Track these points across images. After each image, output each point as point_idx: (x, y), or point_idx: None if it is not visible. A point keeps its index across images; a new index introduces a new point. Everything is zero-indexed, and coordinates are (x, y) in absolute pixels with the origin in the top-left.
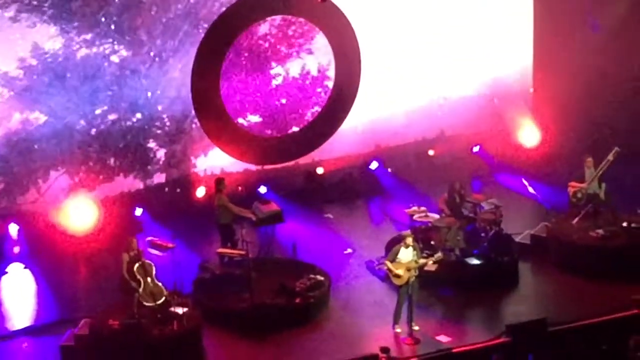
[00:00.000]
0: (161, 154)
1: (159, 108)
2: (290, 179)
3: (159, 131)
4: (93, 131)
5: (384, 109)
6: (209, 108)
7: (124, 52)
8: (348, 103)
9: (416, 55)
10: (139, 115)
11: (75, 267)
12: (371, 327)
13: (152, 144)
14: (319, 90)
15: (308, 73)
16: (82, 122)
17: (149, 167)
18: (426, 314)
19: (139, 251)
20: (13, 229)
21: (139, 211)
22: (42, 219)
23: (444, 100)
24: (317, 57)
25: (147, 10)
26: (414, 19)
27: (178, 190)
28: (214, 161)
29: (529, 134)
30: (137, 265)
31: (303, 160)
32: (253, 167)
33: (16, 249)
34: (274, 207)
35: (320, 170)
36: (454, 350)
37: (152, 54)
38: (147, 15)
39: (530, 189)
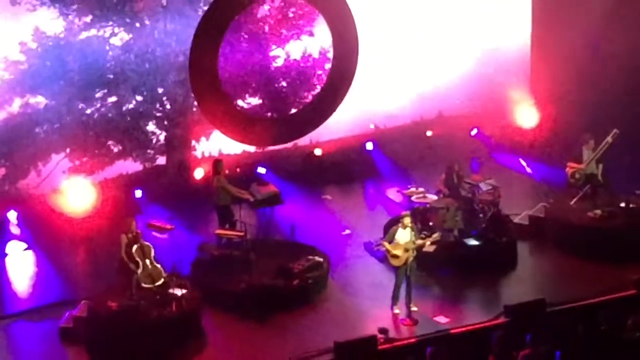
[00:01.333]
0: (161, 137)
1: (160, 91)
2: (288, 160)
3: (159, 114)
4: (93, 114)
5: (382, 91)
6: (207, 90)
7: (125, 35)
8: (346, 84)
9: (414, 36)
10: (139, 98)
11: (73, 249)
12: (369, 308)
13: (152, 127)
14: (319, 72)
15: (309, 55)
16: (82, 105)
17: (149, 150)
18: (424, 295)
19: (138, 233)
20: (13, 213)
21: (138, 193)
22: (41, 202)
23: (441, 81)
24: (318, 40)
25: None
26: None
27: (176, 172)
28: (215, 144)
29: (527, 115)
30: (135, 247)
31: (301, 142)
32: (251, 149)
33: (16, 230)
34: (272, 188)
35: (318, 152)
36: (452, 331)
37: (155, 36)
38: None
39: (528, 169)
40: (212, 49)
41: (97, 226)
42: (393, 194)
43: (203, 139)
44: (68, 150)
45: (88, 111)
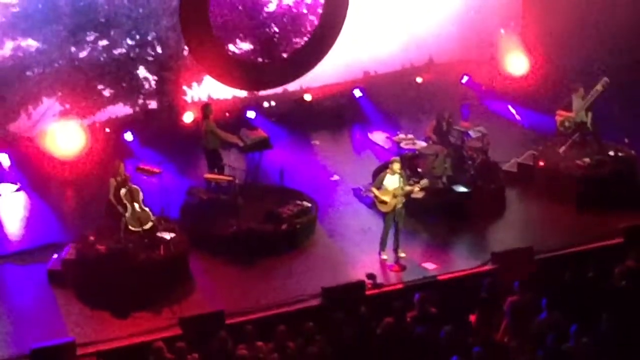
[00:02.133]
0: (152, 81)
1: (152, 35)
2: (278, 105)
3: (150, 58)
4: (85, 58)
5: (372, 36)
6: (198, 34)
7: None
8: (337, 29)
9: None
10: (130, 42)
11: (62, 192)
12: (357, 254)
13: (143, 72)
14: (312, 17)
15: (302, 0)
16: (74, 48)
17: (140, 94)
18: (412, 241)
19: (127, 176)
20: (4, 155)
21: (129, 136)
22: (30, 144)
23: (432, 27)
24: None
25: None
26: None
27: (166, 116)
28: (205, 88)
29: (517, 62)
30: (124, 190)
31: (291, 87)
32: (240, 94)
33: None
34: (261, 133)
35: (308, 97)
36: (439, 278)
37: None
38: None
39: (517, 116)
40: None
41: (86, 169)
42: (377, 136)
43: (195, 84)
44: (59, 94)
45: (80, 55)
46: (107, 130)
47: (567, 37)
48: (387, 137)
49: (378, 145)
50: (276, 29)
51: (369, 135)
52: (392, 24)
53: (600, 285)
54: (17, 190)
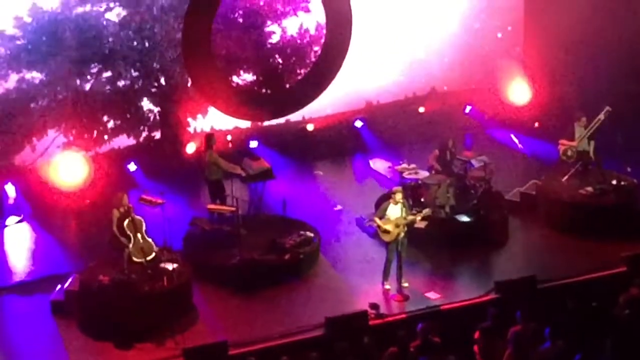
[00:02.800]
0: (156, 113)
1: (156, 67)
2: (280, 136)
3: (154, 90)
4: (89, 90)
5: (374, 67)
6: (200, 65)
7: (122, 11)
8: (339, 59)
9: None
10: (135, 74)
11: (65, 223)
12: (360, 284)
13: (147, 103)
14: (316, 49)
15: (306, 32)
16: (78, 80)
17: (144, 126)
18: (415, 271)
19: (129, 207)
20: (10, 186)
21: (132, 166)
22: (33, 175)
23: (435, 58)
24: (315, 16)
25: None
26: None
27: (169, 147)
28: (207, 119)
29: (519, 91)
30: (127, 221)
31: (293, 118)
32: (243, 125)
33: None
34: (264, 163)
35: (310, 127)
36: (442, 307)
37: (154, 12)
38: None
39: (519, 145)
40: (205, 23)
41: (89, 200)
42: (378, 164)
43: (200, 116)
44: (63, 125)
45: (84, 87)
46: (110, 160)
47: (569, 66)
48: (389, 167)
49: (379, 173)
50: (280, 60)
51: (370, 162)
52: (394, 54)
53: (603, 314)
54: (20, 221)
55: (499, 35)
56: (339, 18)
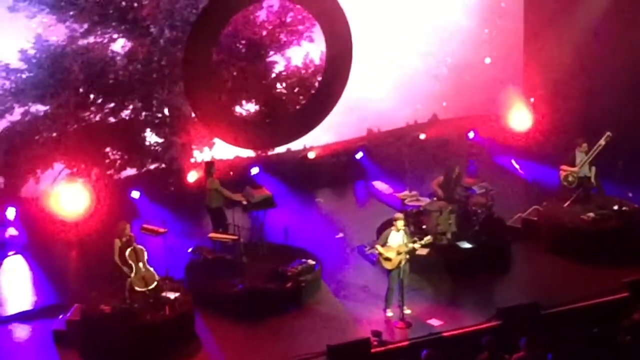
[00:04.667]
0: (160, 144)
1: (162, 99)
2: (281, 164)
3: (159, 122)
4: (94, 122)
5: (375, 93)
6: (201, 94)
7: (129, 44)
8: (340, 86)
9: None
10: (139, 105)
11: (67, 252)
12: (363, 311)
13: (152, 135)
14: (320, 78)
15: (311, 62)
16: (83, 113)
17: (148, 156)
18: (417, 298)
19: (131, 236)
20: (10, 214)
21: (135, 194)
22: (35, 205)
23: (436, 85)
24: (319, 45)
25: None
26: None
27: (171, 175)
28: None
29: (520, 117)
30: (128, 250)
31: (294, 146)
32: (243, 154)
33: (13, 232)
34: (265, 191)
35: (311, 155)
36: (445, 334)
37: (161, 44)
38: (152, 5)
39: (520, 171)
40: (206, 53)
41: (91, 229)
42: (379, 185)
43: (206, 148)
44: (67, 157)
45: (88, 119)
46: (112, 189)
47: (570, 91)
48: (392, 190)
49: (381, 192)
50: (284, 90)
51: (374, 184)
52: (395, 82)
53: (606, 341)
54: (15, 254)
55: (500, 62)
56: (339, 45)
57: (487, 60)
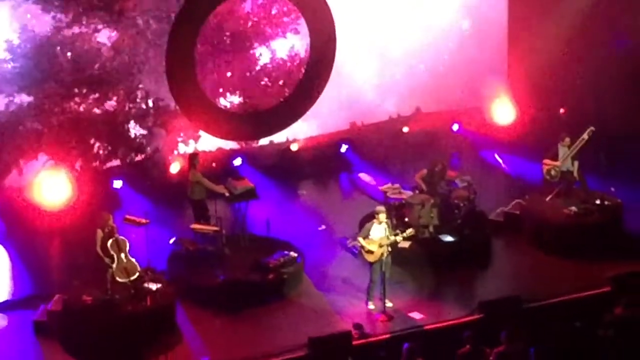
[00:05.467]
0: (144, 135)
1: (147, 90)
2: (264, 156)
3: (144, 113)
4: (78, 113)
5: (359, 86)
6: (184, 85)
7: (115, 36)
8: (322, 78)
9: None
10: (124, 97)
11: (48, 243)
12: (344, 304)
13: (137, 127)
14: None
15: (297, 54)
16: (68, 103)
17: (131, 148)
18: (399, 291)
19: (113, 227)
20: None
21: (118, 183)
22: (17, 195)
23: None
24: (305, 38)
25: None
26: None
27: (155, 167)
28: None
29: (504, 111)
30: (110, 241)
31: (277, 139)
32: (226, 147)
33: None
34: (247, 183)
35: (294, 147)
36: (426, 328)
37: (148, 36)
38: None
39: (503, 165)
40: (188, 45)
41: (73, 219)
42: (365, 176)
43: (191, 141)
44: (51, 148)
45: (73, 110)
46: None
47: (554, 86)
48: (375, 185)
49: (366, 184)
50: (269, 83)
51: (359, 175)
52: (378, 74)
53: (587, 335)
54: None
55: (484, 56)
56: (323, 37)
57: (472, 52)
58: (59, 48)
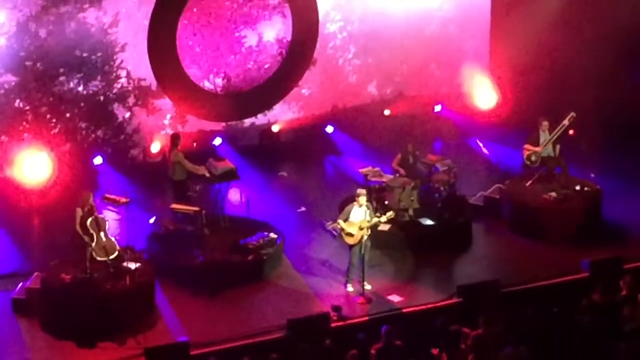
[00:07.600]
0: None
1: (133, 70)
2: (245, 138)
3: (128, 93)
4: (60, 92)
5: (340, 69)
6: (167, 68)
7: (103, 17)
8: (305, 59)
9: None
10: (108, 78)
11: (28, 220)
12: (323, 286)
13: (118, 107)
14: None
15: (284, 38)
16: (52, 83)
17: (116, 129)
18: (378, 274)
19: (93, 206)
20: None
21: (98, 159)
22: None
23: (402, 61)
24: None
25: None
26: None
27: (134, 146)
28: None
29: (485, 97)
30: (90, 219)
31: (259, 121)
32: (207, 127)
33: None
34: (228, 164)
35: (275, 128)
36: (404, 311)
37: (138, 18)
38: None
39: (484, 150)
40: (171, 25)
41: (52, 198)
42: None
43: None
44: (36, 128)
45: (58, 91)
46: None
47: (534, 72)
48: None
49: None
50: (255, 66)
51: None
52: (362, 58)
53: (565, 320)
54: None
55: (466, 41)
56: (305, 16)
57: (454, 37)
58: (44, 28)
